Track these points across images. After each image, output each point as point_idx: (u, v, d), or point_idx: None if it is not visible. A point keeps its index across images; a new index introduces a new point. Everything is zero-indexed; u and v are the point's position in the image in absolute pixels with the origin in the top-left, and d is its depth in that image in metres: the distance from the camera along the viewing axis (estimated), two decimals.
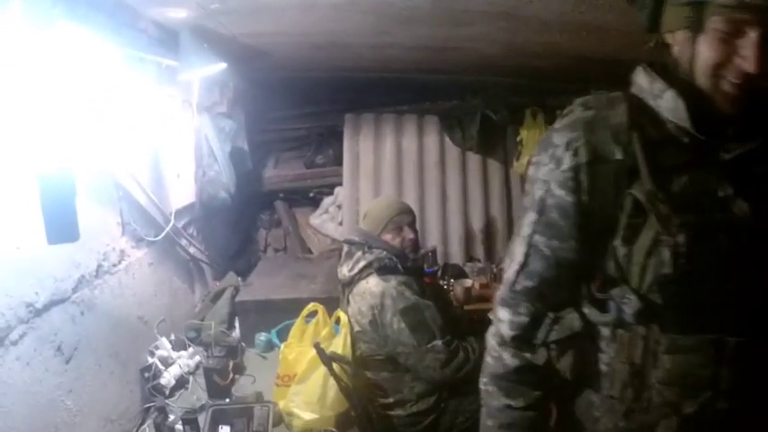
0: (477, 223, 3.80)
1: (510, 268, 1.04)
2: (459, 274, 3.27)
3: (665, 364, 0.91)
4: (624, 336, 0.95)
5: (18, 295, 1.51)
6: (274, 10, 2.20)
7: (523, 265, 1.01)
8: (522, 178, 3.73)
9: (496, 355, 1.06)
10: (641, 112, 0.92)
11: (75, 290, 1.82)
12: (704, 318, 0.89)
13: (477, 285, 3.06)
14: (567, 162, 0.94)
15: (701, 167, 0.88)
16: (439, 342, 1.95)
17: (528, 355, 1.03)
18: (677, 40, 0.90)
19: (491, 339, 1.08)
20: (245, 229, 4.09)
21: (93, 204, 1.99)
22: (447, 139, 3.82)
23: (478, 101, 3.68)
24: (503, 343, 1.05)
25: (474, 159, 3.84)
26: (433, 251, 3.42)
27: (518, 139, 3.62)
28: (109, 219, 2.14)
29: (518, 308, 1.03)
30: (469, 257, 3.78)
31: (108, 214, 2.14)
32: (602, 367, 0.99)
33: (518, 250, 1.02)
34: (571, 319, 1.00)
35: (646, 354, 0.93)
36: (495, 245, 3.83)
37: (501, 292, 1.07)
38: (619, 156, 0.91)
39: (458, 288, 2.94)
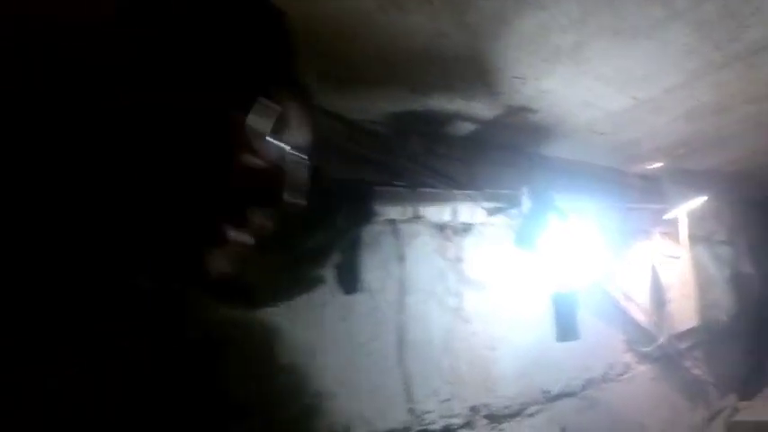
0: None
1: None
2: None
3: None
4: None
5: (539, 383, 2.21)
6: (735, 137, 2.38)
7: None
8: None
9: None
10: None
11: (583, 388, 2.40)
12: None
13: None
14: None
15: None
16: None
17: None
18: None
19: None
20: (755, 353, 3.83)
21: (599, 322, 2.58)
22: None
23: None
24: None
25: None
26: None
27: None
28: (613, 335, 2.68)
29: None
30: None
31: (612, 332, 2.68)
32: None
33: None
34: None
35: None
36: None
37: None
38: None
39: None
